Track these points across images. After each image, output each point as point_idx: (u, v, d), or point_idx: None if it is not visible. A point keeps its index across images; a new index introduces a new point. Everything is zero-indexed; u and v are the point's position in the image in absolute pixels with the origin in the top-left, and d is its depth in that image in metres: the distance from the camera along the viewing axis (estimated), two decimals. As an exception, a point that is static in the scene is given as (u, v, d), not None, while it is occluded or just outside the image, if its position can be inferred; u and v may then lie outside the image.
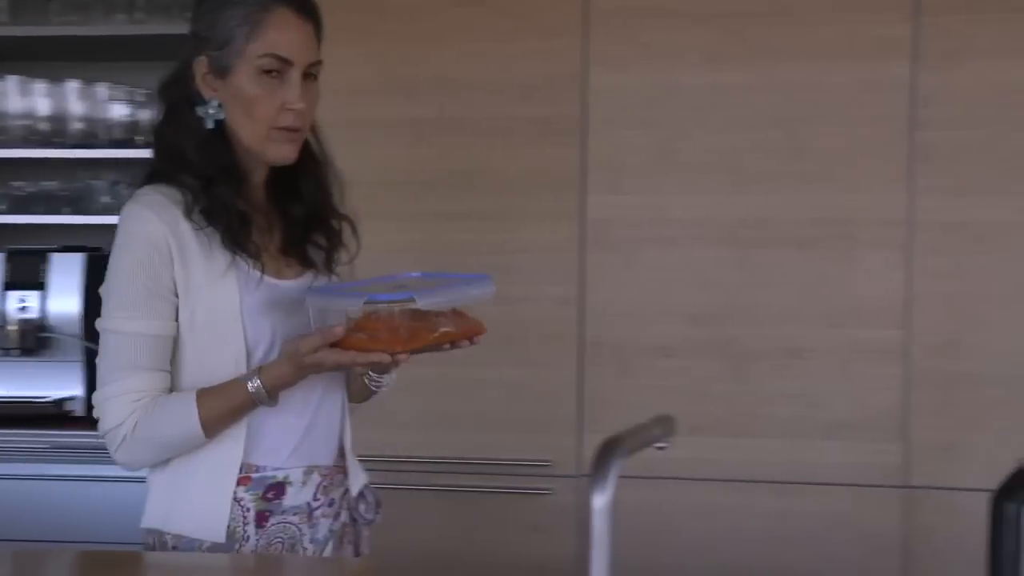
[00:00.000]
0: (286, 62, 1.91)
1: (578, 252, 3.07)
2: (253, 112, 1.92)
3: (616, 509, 1.36)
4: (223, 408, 1.90)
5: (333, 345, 1.85)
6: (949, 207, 2.91)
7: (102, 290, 1.93)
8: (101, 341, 1.92)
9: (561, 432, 3.06)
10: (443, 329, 1.86)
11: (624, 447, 1.45)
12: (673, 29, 3.01)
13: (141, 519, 1.97)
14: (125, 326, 1.89)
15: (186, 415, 1.89)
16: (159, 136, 1.97)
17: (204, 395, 1.90)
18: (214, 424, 1.90)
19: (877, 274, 2.96)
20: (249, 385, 1.89)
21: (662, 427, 1.65)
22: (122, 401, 1.89)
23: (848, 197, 2.96)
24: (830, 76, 2.95)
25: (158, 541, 1.95)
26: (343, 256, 2.05)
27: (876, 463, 2.95)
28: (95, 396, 1.92)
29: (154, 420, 1.89)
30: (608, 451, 1.42)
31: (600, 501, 1.37)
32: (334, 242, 2.04)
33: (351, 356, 1.86)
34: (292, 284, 1.97)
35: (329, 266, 2.03)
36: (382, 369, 1.95)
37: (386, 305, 1.82)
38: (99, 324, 1.92)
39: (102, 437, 1.92)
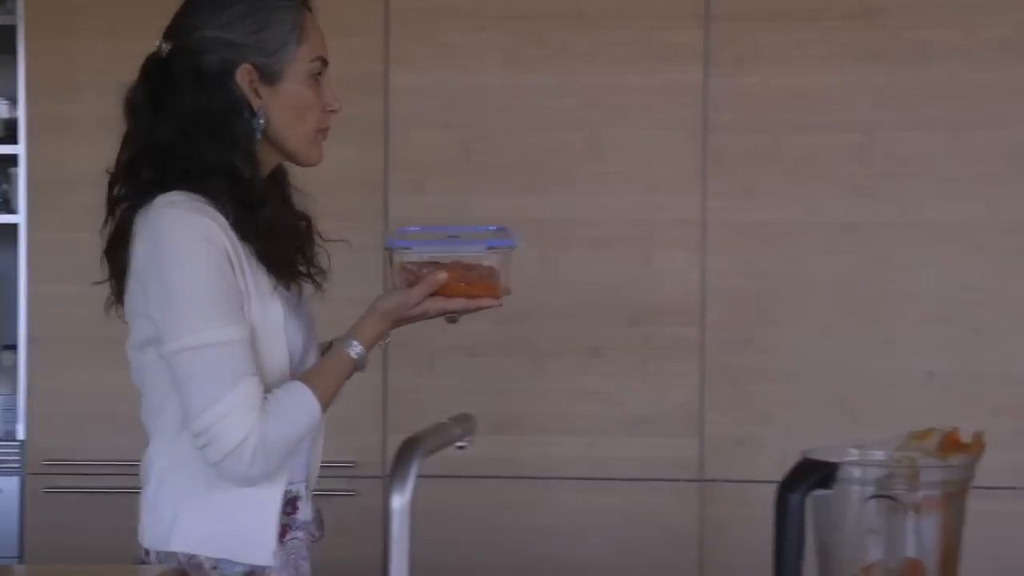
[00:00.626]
0: (326, 64, 1.89)
1: (381, 254, 3.05)
2: (305, 117, 1.87)
3: (419, 509, 1.37)
4: (333, 384, 1.83)
5: (434, 293, 1.84)
6: (739, 208, 3.01)
7: (166, 310, 1.73)
8: (188, 362, 1.72)
9: (365, 432, 3.05)
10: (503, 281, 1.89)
11: (423, 447, 1.45)
12: (473, 30, 3.04)
13: (147, 538, 1.80)
14: (219, 336, 1.72)
15: (308, 405, 1.78)
16: (188, 144, 1.79)
17: (310, 378, 1.81)
18: (328, 404, 1.83)
19: (673, 273, 3.03)
20: (352, 352, 1.84)
21: (462, 426, 1.66)
22: (240, 414, 1.71)
23: (645, 198, 3.03)
24: (626, 80, 3.02)
25: (190, 563, 1.78)
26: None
27: (673, 457, 3.03)
28: (203, 421, 1.71)
29: (280, 423, 1.74)
30: (407, 451, 1.42)
31: (399, 501, 1.37)
32: (313, 249, 1.99)
33: (460, 303, 1.85)
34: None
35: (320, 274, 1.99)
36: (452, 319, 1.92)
37: (482, 252, 1.85)
38: (183, 343, 1.72)
39: (219, 462, 1.72)
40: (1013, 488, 2.88)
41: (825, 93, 2.97)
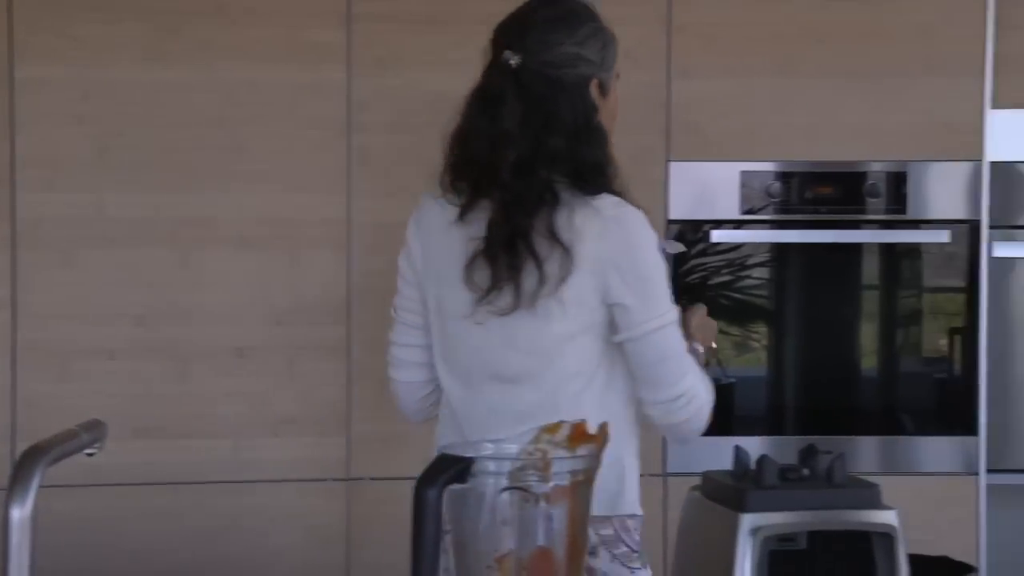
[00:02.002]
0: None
1: (10, 252, 2.91)
2: (614, 125, 2.10)
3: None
4: None
5: None
6: (385, 208, 3.03)
7: (645, 295, 1.97)
8: (666, 337, 1.98)
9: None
10: None
11: (46, 455, 1.39)
12: (107, 23, 2.93)
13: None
14: (675, 315, 2.01)
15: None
16: (579, 147, 2.00)
17: None
18: None
19: (320, 273, 3.03)
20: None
21: (91, 432, 1.60)
22: (705, 379, 2.03)
23: (290, 197, 3.02)
24: (269, 77, 2.99)
25: (632, 523, 2.05)
26: None
27: (320, 457, 3.03)
28: (684, 384, 1.99)
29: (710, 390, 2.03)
30: (28, 460, 1.37)
31: (19, 513, 1.31)
32: None
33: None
34: None
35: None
36: None
37: None
38: (663, 321, 1.98)
39: (689, 419, 2.01)
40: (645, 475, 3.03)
41: (464, 96, 3.03)
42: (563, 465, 1.69)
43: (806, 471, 1.63)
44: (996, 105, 3.12)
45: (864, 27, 3.11)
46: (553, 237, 1.96)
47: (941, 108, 3.11)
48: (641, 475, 3.00)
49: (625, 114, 3.05)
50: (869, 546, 1.57)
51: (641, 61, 3.05)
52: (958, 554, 2.01)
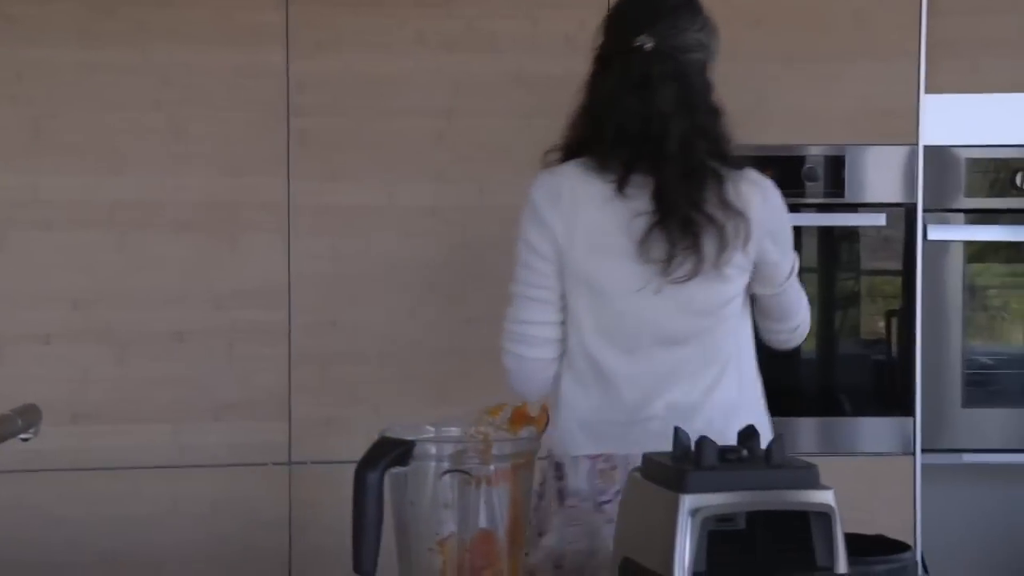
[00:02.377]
0: None
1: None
2: None
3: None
4: None
5: None
6: (324, 191, 3.02)
7: (790, 253, 2.23)
8: (797, 283, 2.29)
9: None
10: None
11: (-20, 442, 1.38)
12: (41, 3, 2.90)
13: None
14: None
15: None
16: (717, 126, 2.16)
17: None
18: None
19: (259, 257, 3.01)
20: None
21: (26, 417, 1.59)
22: None
23: (229, 181, 2.99)
24: (206, 60, 2.96)
25: None
26: None
27: (261, 442, 3.01)
28: (805, 315, 2.34)
29: None
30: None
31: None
32: None
33: None
34: None
35: None
36: None
37: None
38: (796, 266, 2.27)
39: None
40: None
41: (404, 79, 3.03)
42: (504, 448, 1.70)
43: (745, 452, 1.65)
44: (930, 90, 3.16)
45: (800, 12, 3.13)
46: (727, 205, 2.11)
47: (877, 93, 3.14)
48: (265, 464, 3.03)
49: (566, 99, 3.07)
50: (807, 525, 1.59)
51: (581, 46, 3.04)
52: (894, 532, 2.03)
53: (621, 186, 2.12)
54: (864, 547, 1.77)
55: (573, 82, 3.04)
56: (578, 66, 3.05)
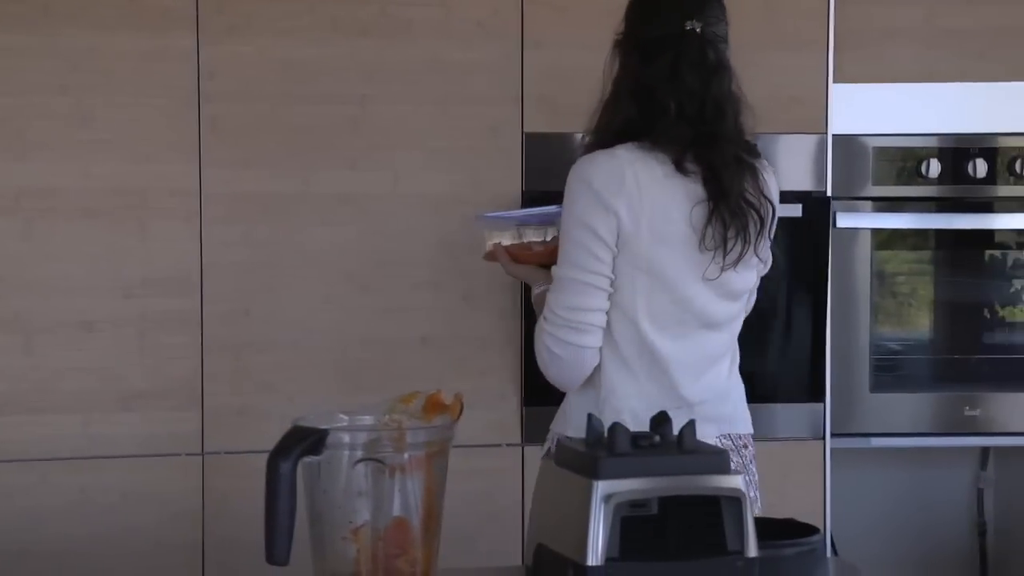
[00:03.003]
0: None
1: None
2: None
3: None
4: None
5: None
6: (236, 178, 2.99)
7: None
8: None
9: None
10: None
11: None
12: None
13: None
14: None
15: None
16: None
17: None
18: None
19: (170, 244, 2.97)
20: None
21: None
22: None
23: (138, 167, 2.95)
24: (114, 44, 2.91)
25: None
26: None
27: (173, 432, 2.98)
28: None
29: None
30: None
31: None
32: None
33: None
34: None
35: None
36: None
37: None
38: None
39: None
40: (498, 445, 3.07)
41: (317, 65, 3.00)
42: (418, 436, 1.70)
43: (657, 438, 1.66)
44: (837, 79, 3.20)
45: (713, 1, 3.16)
46: (760, 192, 2.20)
47: (788, 82, 3.17)
48: (498, 445, 3.05)
49: (480, 85, 3.07)
50: (718, 510, 1.61)
51: (494, 32, 3.05)
52: (804, 516, 2.06)
53: (680, 167, 2.15)
54: (774, 531, 1.80)
55: (486, 68, 3.06)
56: (491, 52, 3.06)
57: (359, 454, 1.67)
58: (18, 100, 2.88)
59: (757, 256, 2.23)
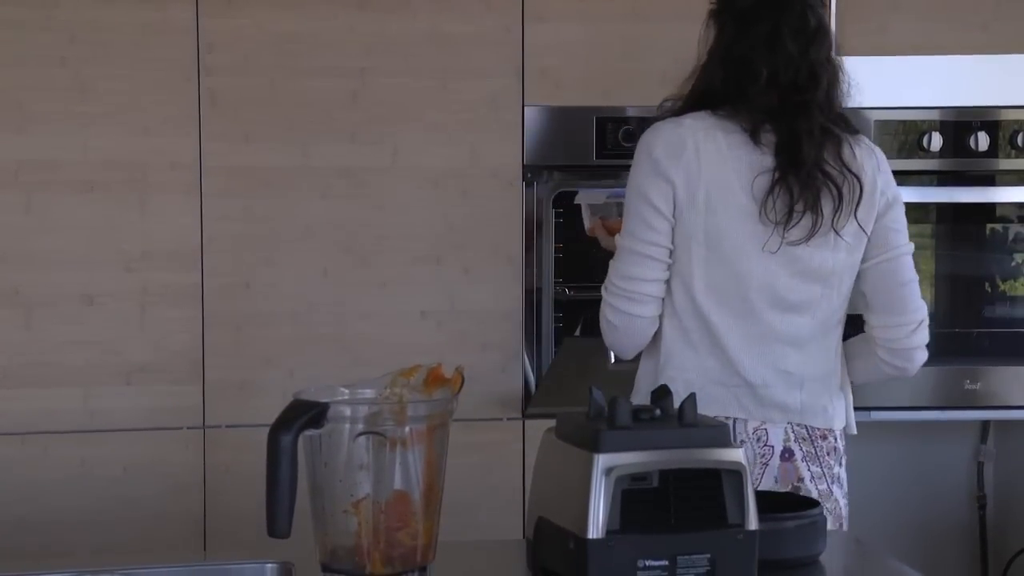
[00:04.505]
0: None
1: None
2: None
3: None
4: None
5: None
6: (236, 152, 2.98)
7: (904, 219, 2.22)
8: (912, 262, 2.23)
9: None
10: None
11: None
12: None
13: (836, 421, 2.24)
14: None
15: None
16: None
17: None
18: None
19: (170, 218, 2.97)
20: None
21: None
22: None
23: (138, 140, 2.94)
24: (113, 17, 2.90)
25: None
26: None
27: (174, 405, 2.98)
28: (924, 310, 2.23)
29: None
30: None
31: None
32: None
33: None
34: None
35: None
36: None
37: None
38: (912, 247, 2.23)
39: (926, 344, 2.26)
40: (499, 419, 3.07)
41: (316, 38, 2.99)
42: (419, 409, 1.70)
43: (658, 412, 1.66)
44: (839, 52, 3.17)
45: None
46: (844, 166, 2.11)
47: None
48: (500, 419, 3.05)
49: (480, 58, 3.06)
50: (719, 483, 1.61)
51: (495, 5, 3.04)
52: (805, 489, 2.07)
53: (755, 135, 2.10)
54: (774, 504, 1.80)
55: (487, 41, 3.04)
56: (492, 24, 3.05)
57: (360, 427, 1.67)
58: (17, 72, 2.88)
59: (837, 233, 2.12)
